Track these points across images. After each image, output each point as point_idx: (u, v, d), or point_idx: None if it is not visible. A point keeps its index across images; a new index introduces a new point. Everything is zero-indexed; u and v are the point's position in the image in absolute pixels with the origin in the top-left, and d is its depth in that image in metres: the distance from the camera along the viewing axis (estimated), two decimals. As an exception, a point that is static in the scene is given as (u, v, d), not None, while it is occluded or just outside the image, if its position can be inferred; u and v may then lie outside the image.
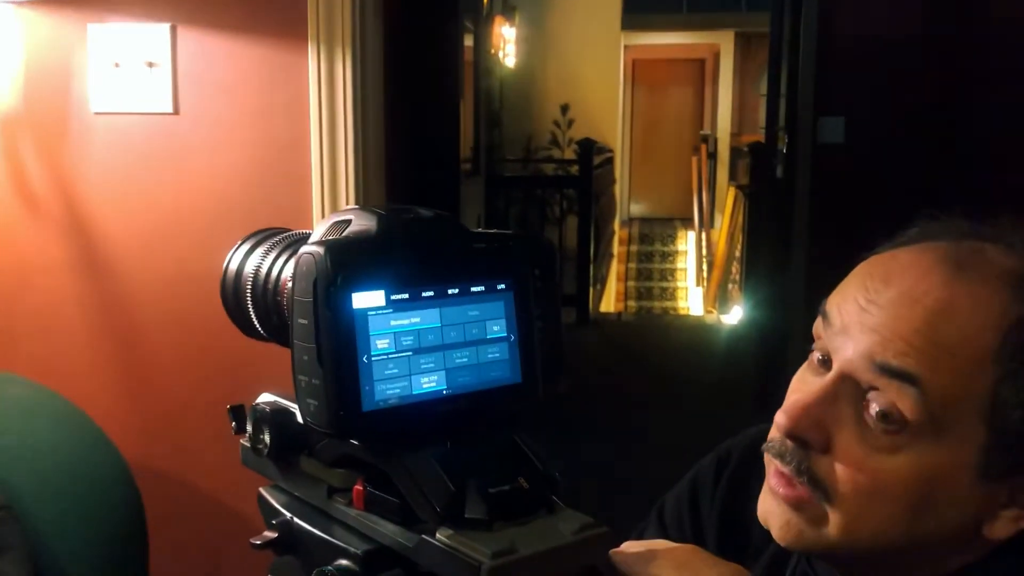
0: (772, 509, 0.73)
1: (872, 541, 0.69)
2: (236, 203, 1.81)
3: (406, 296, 0.62)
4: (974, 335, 0.66)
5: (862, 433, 0.68)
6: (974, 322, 0.66)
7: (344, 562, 0.64)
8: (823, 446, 0.69)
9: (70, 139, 1.82)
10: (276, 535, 0.69)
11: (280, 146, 1.81)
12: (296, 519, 0.69)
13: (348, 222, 0.66)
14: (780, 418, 0.71)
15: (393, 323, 0.62)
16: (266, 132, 1.81)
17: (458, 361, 0.64)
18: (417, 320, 0.63)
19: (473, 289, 0.65)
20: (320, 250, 0.59)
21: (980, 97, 3.90)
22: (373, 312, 0.61)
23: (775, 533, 0.73)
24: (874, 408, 0.67)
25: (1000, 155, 3.77)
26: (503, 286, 0.66)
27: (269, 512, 0.72)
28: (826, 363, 0.72)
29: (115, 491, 1.43)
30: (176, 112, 1.80)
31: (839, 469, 0.69)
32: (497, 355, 0.66)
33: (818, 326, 0.74)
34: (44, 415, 1.51)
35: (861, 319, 0.69)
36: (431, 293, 0.63)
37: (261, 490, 0.74)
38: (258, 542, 0.69)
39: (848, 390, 0.69)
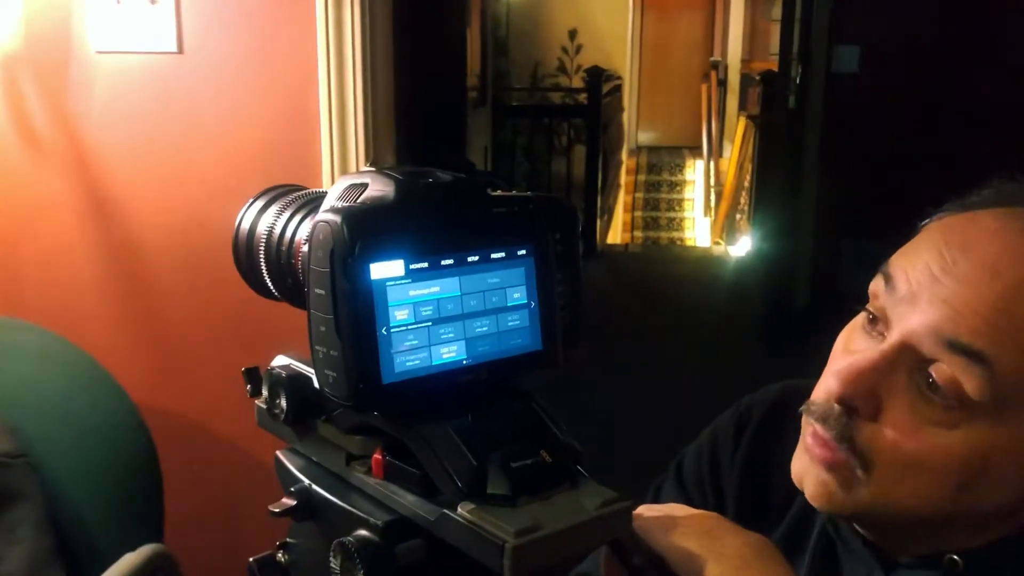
0: (807, 469, 0.71)
1: (907, 508, 0.68)
2: (245, 144, 1.78)
3: (425, 265, 0.60)
4: None
5: (915, 404, 0.66)
6: None
7: (364, 532, 0.63)
8: (871, 414, 0.67)
9: (72, 79, 1.79)
10: (295, 503, 0.68)
11: (288, 84, 1.77)
12: (315, 486, 0.68)
13: (364, 186, 0.63)
14: (831, 383, 0.68)
15: (412, 293, 0.60)
16: (273, 70, 1.77)
17: (478, 330, 0.63)
18: (436, 289, 0.61)
19: (493, 256, 0.63)
20: (337, 219, 0.57)
21: (1000, 28, 3.81)
22: (392, 282, 0.59)
23: (808, 493, 0.72)
24: (935, 382, 0.65)
25: (1021, 89, 3.69)
26: (524, 251, 0.64)
27: (287, 477, 0.71)
28: (877, 324, 0.70)
29: (128, 438, 1.43)
30: (180, 51, 1.76)
31: (884, 437, 0.67)
32: (518, 322, 0.64)
33: (877, 286, 0.70)
34: (53, 361, 1.50)
35: (933, 288, 0.66)
36: (450, 261, 0.61)
37: (278, 453, 0.73)
38: (277, 510, 0.68)
39: (907, 359, 0.66)
